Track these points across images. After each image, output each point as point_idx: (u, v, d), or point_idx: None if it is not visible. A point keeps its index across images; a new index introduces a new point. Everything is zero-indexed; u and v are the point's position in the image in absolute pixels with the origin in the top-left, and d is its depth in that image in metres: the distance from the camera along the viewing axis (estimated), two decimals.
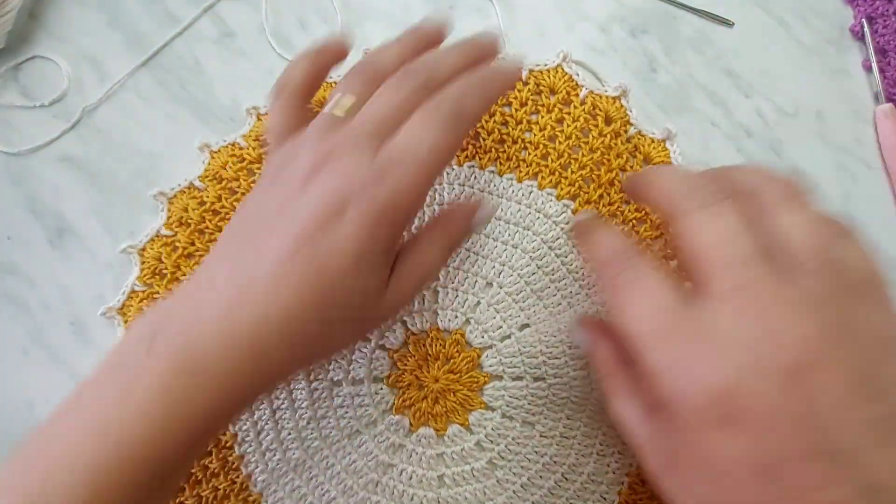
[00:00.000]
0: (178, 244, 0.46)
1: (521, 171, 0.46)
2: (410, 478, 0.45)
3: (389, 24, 0.49)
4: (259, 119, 0.47)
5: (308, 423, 0.45)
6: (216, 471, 0.45)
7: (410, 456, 0.45)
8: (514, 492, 0.45)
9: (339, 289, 0.32)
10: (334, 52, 0.39)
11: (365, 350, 0.46)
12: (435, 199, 0.46)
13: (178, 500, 0.44)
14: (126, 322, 0.45)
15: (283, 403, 0.45)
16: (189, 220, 0.45)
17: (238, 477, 0.45)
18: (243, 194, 0.46)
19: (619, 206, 0.46)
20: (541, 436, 0.46)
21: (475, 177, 0.46)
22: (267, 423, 0.45)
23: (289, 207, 0.32)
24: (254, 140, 0.46)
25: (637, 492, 0.46)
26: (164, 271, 0.45)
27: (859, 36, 0.50)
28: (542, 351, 0.46)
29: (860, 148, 0.49)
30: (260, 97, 0.47)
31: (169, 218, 0.46)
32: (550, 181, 0.46)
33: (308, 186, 0.32)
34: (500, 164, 0.46)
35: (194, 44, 0.48)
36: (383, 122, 0.33)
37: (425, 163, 0.33)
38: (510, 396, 0.45)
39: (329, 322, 0.32)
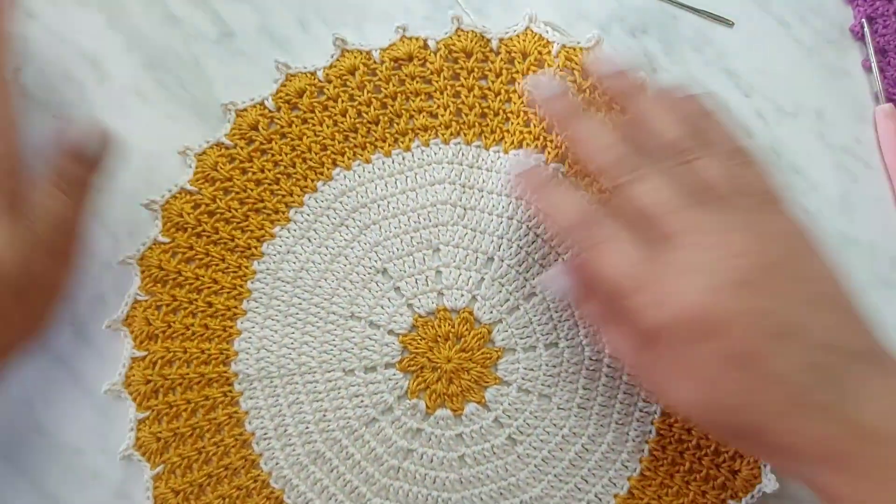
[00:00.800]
0: (176, 250, 0.46)
1: (506, 143, 0.46)
2: (431, 460, 0.45)
3: (389, 24, 0.49)
4: (238, 115, 0.47)
5: (325, 414, 0.45)
6: (237, 469, 0.44)
7: (429, 439, 0.45)
8: (535, 466, 0.45)
9: None
10: None
11: (375, 337, 0.45)
12: (427, 179, 0.47)
13: (202, 501, 0.44)
14: (133, 333, 0.45)
15: (298, 398, 0.45)
16: (186, 225, 0.46)
17: (259, 474, 0.45)
18: (238, 192, 0.46)
19: None
20: (558, 408, 0.45)
21: (462, 153, 0.47)
22: (284, 419, 0.45)
23: None
24: (239, 138, 0.47)
25: (658, 458, 0.45)
26: (166, 278, 0.46)
27: (859, 36, 0.49)
28: (551, 317, 0.45)
29: (860, 148, 0.48)
30: (258, 97, 0.48)
31: (164, 224, 0.46)
32: (536, 147, 0.46)
33: None
34: (485, 137, 0.47)
35: (194, 44, 0.49)
36: None
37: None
38: (525, 368, 0.45)
39: None
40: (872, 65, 0.49)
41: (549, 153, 0.46)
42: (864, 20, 0.49)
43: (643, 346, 0.35)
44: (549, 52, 0.46)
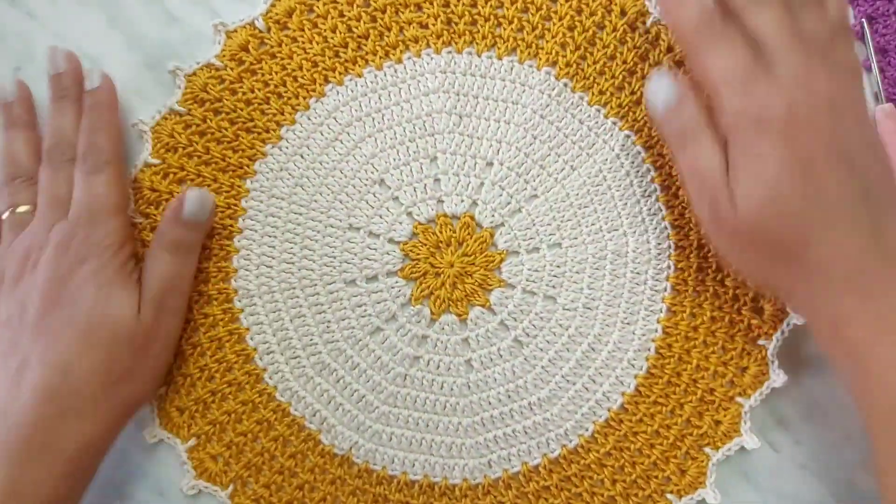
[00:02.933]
0: (167, 171, 0.45)
1: (499, 48, 0.46)
2: (438, 366, 0.44)
3: None
4: (228, 36, 0.47)
5: (328, 326, 0.45)
6: (242, 385, 0.44)
7: (435, 345, 0.44)
8: (542, 367, 0.44)
9: (95, 318, 0.39)
10: None
11: (375, 247, 0.45)
12: (421, 89, 0.46)
13: (208, 419, 0.43)
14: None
15: (300, 311, 0.45)
16: (177, 146, 0.46)
17: (265, 388, 0.44)
18: (228, 113, 0.46)
19: (604, 64, 0.46)
20: (563, 308, 0.45)
21: (455, 62, 0.46)
22: (287, 332, 0.44)
23: (22, 295, 0.40)
24: (229, 59, 0.46)
25: (664, 356, 0.45)
26: (159, 200, 0.45)
27: (859, 36, 0.49)
28: (554, 218, 0.45)
29: None
30: (248, 17, 0.47)
31: (154, 145, 0.46)
32: (528, 53, 0.46)
33: (34, 269, 0.40)
34: (477, 44, 0.46)
35: (194, 44, 0.48)
36: (58, 198, 0.42)
37: (104, 203, 0.41)
38: (529, 270, 0.45)
39: (101, 348, 0.39)
40: (872, 65, 0.48)
41: (540, 60, 0.46)
42: (864, 20, 0.48)
43: (721, 149, 0.38)
44: None
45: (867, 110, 0.39)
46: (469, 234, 0.45)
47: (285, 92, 0.46)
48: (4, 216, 0.43)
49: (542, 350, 0.44)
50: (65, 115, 0.44)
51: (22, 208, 0.43)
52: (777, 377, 0.44)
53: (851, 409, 0.44)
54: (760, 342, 0.45)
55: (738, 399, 0.44)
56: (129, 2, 0.49)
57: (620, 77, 0.46)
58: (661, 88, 0.41)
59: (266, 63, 0.46)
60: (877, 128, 0.47)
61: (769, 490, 0.45)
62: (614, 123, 0.46)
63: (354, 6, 0.46)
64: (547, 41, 0.46)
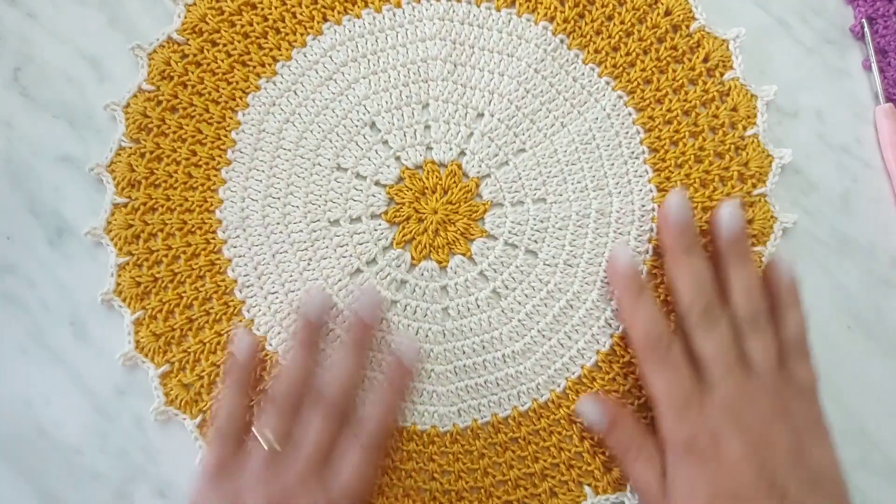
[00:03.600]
0: (161, 98, 0.45)
1: (498, 0, 0.46)
2: (415, 312, 0.44)
3: None
4: None
5: (308, 264, 0.45)
6: (218, 316, 0.44)
7: (413, 290, 0.45)
8: (519, 321, 0.44)
9: None
10: (249, 365, 0.42)
11: (360, 188, 0.45)
12: (417, 35, 0.46)
13: (182, 347, 0.44)
14: (115, 180, 0.45)
15: (282, 247, 0.45)
16: (172, 74, 0.45)
17: (241, 322, 0.44)
18: (225, 45, 0.46)
19: (602, 23, 0.46)
20: (544, 263, 0.45)
21: (453, 10, 0.46)
22: (267, 268, 0.44)
23: None
24: None
25: None
26: (150, 126, 0.45)
27: (859, 36, 0.49)
28: (540, 172, 0.45)
29: (860, 148, 0.47)
30: None
31: (150, 72, 0.46)
32: (527, 7, 0.46)
33: None
34: None
35: None
36: (318, 452, 0.39)
37: (366, 484, 0.40)
38: (512, 223, 0.45)
39: None
40: (872, 65, 0.48)
41: (538, 14, 0.45)
42: (864, 20, 0.48)
43: (661, 461, 0.40)
44: None
45: (821, 423, 0.39)
46: (455, 182, 0.45)
47: (283, 28, 0.46)
48: (262, 440, 0.40)
49: (519, 303, 0.45)
50: (344, 368, 0.42)
51: (277, 446, 0.40)
52: None
53: (851, 410, 0.45)
54: None
55: None
56: (129, 2, 0.48)
57: (617, 37, 0.46)
58: (591, 412, 0.42)
59: None
60: (877, 128, 0.47)
61: None
62: (607, 83, 0.46)
63: None
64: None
